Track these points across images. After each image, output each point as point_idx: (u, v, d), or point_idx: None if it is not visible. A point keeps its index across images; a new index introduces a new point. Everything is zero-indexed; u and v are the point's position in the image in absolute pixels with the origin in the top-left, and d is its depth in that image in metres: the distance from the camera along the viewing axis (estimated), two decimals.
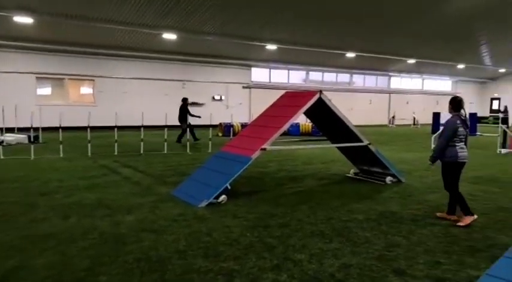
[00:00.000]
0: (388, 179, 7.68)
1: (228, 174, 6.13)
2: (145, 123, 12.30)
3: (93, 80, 21.06)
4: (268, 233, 4.71)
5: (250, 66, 25.22)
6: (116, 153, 11.20)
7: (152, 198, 6.29)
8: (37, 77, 19.69)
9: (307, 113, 7.70)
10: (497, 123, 16.25)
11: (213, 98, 24.12)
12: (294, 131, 18.59)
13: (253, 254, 4.06)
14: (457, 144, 5.16)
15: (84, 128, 12.20)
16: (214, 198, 5.91)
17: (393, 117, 30.99)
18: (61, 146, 10.86)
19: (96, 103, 20.93)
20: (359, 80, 30.42)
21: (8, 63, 18.83)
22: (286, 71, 26.96)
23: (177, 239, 4.46)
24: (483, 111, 33.66)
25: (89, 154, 10.91)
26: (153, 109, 19.43)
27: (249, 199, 6.36)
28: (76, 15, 14.98)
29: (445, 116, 16.89)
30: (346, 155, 8.75)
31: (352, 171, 8.60)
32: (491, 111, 34.89)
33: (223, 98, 24.49)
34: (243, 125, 17.65)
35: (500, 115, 17.66)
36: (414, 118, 29.80)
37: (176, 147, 12.98)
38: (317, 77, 28.43)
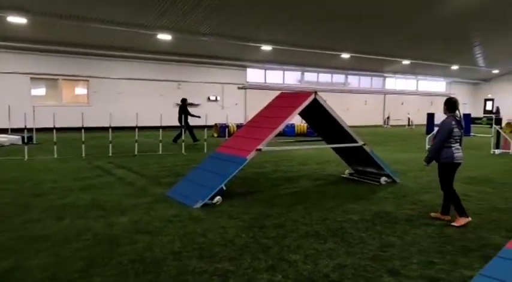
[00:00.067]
0: (383, 179, 7.71)
1: (223, 175, 6.13)
2: (140, 124, 12.26)
3: (88, 81, 20.95)
4: (263, 234, 4.71)
5: (245, 66, 25.22)
6: (110, 154, 11.15)
7: (147, 199, 6.27)
8: (31, 78, 19.55)
9: (302, 114, 7.72)
10: (491, 124, 16.39)
11: (209, 98, 24.09)
12: (289, 131, 18.61)
13: (248, 255, 4.06)
14: (452, 145, 5.19)
15: (78, 129, 12.13)
16: (210, 199, 5.90)
17: (388, 117, 31.12)
18: (55, 147, 10.80)
19: (90, 104, 20.83)
20: (354, 80, 30.52)
21: (1, 64, 18.68)
22: (282, 72, 26.98)
23: (171, 240, 4.45)
24: (477, 112, 33.89)
25: (83, 155, 10.85)
26: (148, 110, 19.37)
27: (244, 200, 6.36)
28: (70, 15, 14.91)
29: (439, 117, 17.00)
30: (341, 156, 8.78)
31: (347, 171, 8.62)
32: (485, 112, 35.13)
33: (218, 98, 24.47)
34: (239, 126, 17.64)
35: (493, 116, 17.80)
36: (409, 119, 29.94)
37: (171, 148, 12.95)
38: (312, 78, 28.48)
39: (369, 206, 6.05)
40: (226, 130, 16.12)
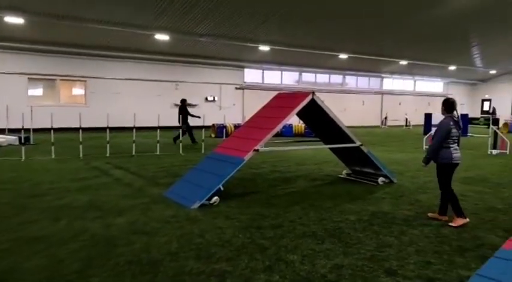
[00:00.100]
0: (380, 179, 7.73)
1: (220, 176, 6.13)
2: (137, 125, 12.24)
3: (85, 81, 20.91)
4: (260, 234, 4.71)
5: (243, 67, 25.22)
6: (107, 154, 11.13)
7: (144, 200, 6.26)
8: (28, 78, 19.50)
9: (300, 114, 7.72)
10: (488, 125, 16.41)
11: (206, 99, 24.08)
12: (287, 132, 18.62)
13: (246, 255, 4.06)
14: (450, 145, 5.20)
15: (76, 129, 12.10)
16: (207, 200, 5.89)
17: (385, 118, 31.17)
18: (52, 148, 10.77)
19: (88, 104, 20.79)
20: (352, 81, 30.55)
21: None
22: (279, 72, 27.00)
23: (169, 241, 4.45)
24: (474, 113, 33.98)
25: (81, 155, 10.83)
26: (145, 110, 19.36)
27: (242, 200, 6.35)
28: (68, 15, 14.88)
29: (437, 117, 17.03)
30: (338, 156, 8.79)
31: (344, 172, 8.63)
32: (482, 112, 35.25)
33: (216, 99, 24.45)
34: (236, 126, 17.64)
35: (490, 116, 17.86)
36: (406, 119, 30.00)
37: (169, 148, 12.93)
38: (310, 78, 28.51)
39: (366, 206, 6.06)
40: (224, 130, 16.12)
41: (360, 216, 5.54)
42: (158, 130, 12.17)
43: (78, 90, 21.43)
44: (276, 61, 24.70)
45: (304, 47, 21.11)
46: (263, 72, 26.42)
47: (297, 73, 27.79)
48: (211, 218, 5.32)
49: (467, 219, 5.17)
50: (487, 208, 6.06)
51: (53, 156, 10.58)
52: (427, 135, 15.28)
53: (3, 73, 18.74)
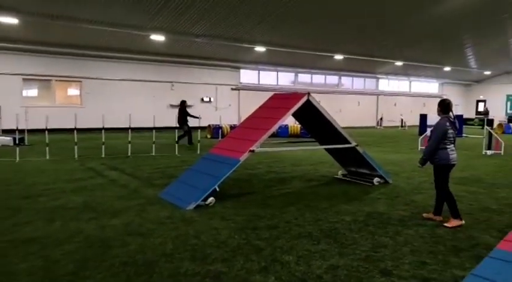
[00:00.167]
0: (376, 180, 7.74)
1: (216, 177, 6.11)
2: (133, 125, 12.20)
3: (80, 82, 20.82)
4: (256, 235, 4.70)
5: (239, 68, 25.20)
6: (103, 155, 11.08)
7: (139, 201, 6.23)
8: (23, 79, 19.38)
9: (295, 115, 7.73)
10: (483, 125, 16.51)
11: (202, 99, 24.04)
12: (283, 132, 18.63)
13: (241, 256, 4.05)
14: (447, 146, 5.22)
15: (71, 130, 12.04)
16: (203, 201, 5.88)
17: (381, 119, 31.27)
18: (47, 148, 10.71)
19: (83, 105, 20.70)
20: (347, 82, 30.63)
21: None
22: (275, 73, 27.01)
23: (164, 242, 4.43)
24: (469, 113, 34.17)
25: (76, 156, 10.77)
26: (141, 111, 19.31)
27: (237, 201, 6.34)
28: (63, 15, 14.80)
29: (432, 118, 17.10)
30: (334, 157, 8.80)
31: (340, 172, 8.65)
32: (477, 113, 35.45)
33: (212, 99, 24.42)
34: (232, 127, 17.62)
35: (484, 117, 17.98)
36: (402, 120, 30.11)
37: (165, 149, 12.88)
38: (306, 79, 28.54)
39: (362, 207, 6.07)
40: (220, 131, 16.11)
41: (356, 216, 5.55)
42: (154, 131, 12.14)
43: (73, 91, 21.33)
44: (271, 62, 24.71)
45: (300, 48, 21.13)
46: (259, 73, 26.43)
47: (293, 74, 27.81)
48: (207, 219, 5.30)
49: (463, 222, 5.18)
50: (481, 208, 6.09)
51: (48, 157, 10.51)
52: (423, 135, 15.34)
53: None
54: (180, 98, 15.83)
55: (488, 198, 6.75)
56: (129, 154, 11.31)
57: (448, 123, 5.23)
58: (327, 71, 28.30)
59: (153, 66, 22.35)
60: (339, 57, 23.62)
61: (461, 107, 34.08)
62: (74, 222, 5.11)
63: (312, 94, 7.02)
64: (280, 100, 7.60)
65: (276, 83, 27.02)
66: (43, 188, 7.03)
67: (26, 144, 13.51)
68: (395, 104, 32.56)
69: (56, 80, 20.37)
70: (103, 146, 11.32)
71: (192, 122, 14.65)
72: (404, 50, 23.44)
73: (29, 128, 13.61)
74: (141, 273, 3.64)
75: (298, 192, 7.18)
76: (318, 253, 4.17)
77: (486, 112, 30.85)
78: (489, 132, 13.68)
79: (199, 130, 13.06)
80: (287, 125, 19.00)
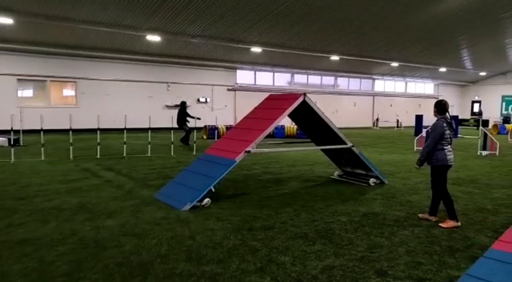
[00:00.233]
0: (372, 180, 7.76)
1: (212, 177, 6.10)
2: (128, 126, 12.15)
3: (76, 82, 20.73)
4: (252, 236, 4.69)
5: (235, 68, 25.20)
6: (98, 156, 11.03)
7: (134, 202, 6.21)
8: (18, 79, 19.28)
9: (291, 116, 7.73)
10: (478, 126, 16.58)
11: (198, 100, 24.00)
12: (279, 133, 18.63)
13: (237, 257, 4.04)
14: (445, 147, 5.24)
15: (66, 131, 11.98)
16: (198, 201, 5.86)
17: (377, 119, 31.36)
18: (42, 149, 10.65)
19: (78, 105, 20.61)
20: (343, 82, 30.69)
21: None
22: (271, 74, 27.02)
23: (159, 243, 4.41)
24: (464, 114, 34.33)
25: (71, 157, 10.72)
26: (136, 111, 19.24)
27: (233, 202, 6.33)
28: (58, 16, 14.73)
29: (428, 118, 17.15)
30: (330, 157, 8.81)
31: (336, 173, 8.66)
32: (472, 114, 35.62)
33: (208, 100, 24.39)
34: (228, 128, 17.61)
35: (477, 117, 18.08)
36: (397, 120, 30.20)
37: (160, 149, 12.85)
38: (302, 80, 28.58)
39: (358, 207, 6.07)
40: (216, 132, 16.09)
41: (351, 217, 5.55)
42: (149, 131, 12.11)
43: (68, 91, 21.24)
44: (268, 62, 24.72)
45: (296, 49, 21.16)
46: (255, 74, 26.43)
47: (289, 74, 27.84)
48: (203, 220, 5.29)
49: (459, 223, 5.17)
50: (476, 209, 6.11)
51: (43, 158, 10.46)
52: (418, 136, 15.39)
53: None
54: (176, 99, 15.85)
55: (484, 199, 6.78)
56: (125, 155, 11.27)
57: (445, 124, 5.25)
58: (323, 72, 28.35)
59: (148, 66, 22.30)
60: (335, 58, 23.66)
61: (457, 108, 34.24)
62: (68, 223, 5.08)
63: (308, 95, 7.02)
64: (276, 101, 7.60)
65: (272, 84, 27.04)
66: (38, 189, 6.99)
67: (21, 144, 13.44)
68: (391, 105, 32.67)
69: (51, 81, 20.27)
70: (98, 147, 11.27)
71: (190, 123, 14.64)
72: (400, 51, 23.52)
73: (24, 128, 13.53)
74: (136, 274, 3.62)
75: (294, 192, 7.18)
76: (314, 254, 4.17)
77: (479, 113, 31.03)
78: (484, 132, 13.74)
79: (195, 131, 13.03)
80: (283, 125, 19.00)
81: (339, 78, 30.22)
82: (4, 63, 18.73)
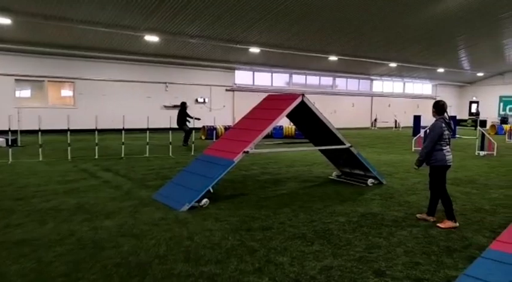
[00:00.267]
0: (370, 181, 7.76)
1: (210, 178, 6.10)
2: (127, 126, 12.13)
3: (73, 82, 20.69)
4: (250, 236, 4.69)
5: (233, 68, 25.18)
6: (96, 156, 11.01)
7: (133, 203, 6.20)
8: (16, 79, 19.23)
9: (290, 116, 7.73)
10: (475, 126, 16.62)
11: (196, 100, 23.98)
12: (278, 133, 18.64)
13: (235, 258, 4.04)
14: (443, 147, 5.26)
15: (64, 131, 11.96)
16: (196, 202, 5.86)
17: (375, 120, 31.39)
18: (40, 150, 10.63)
19: (76, 106, 20.57)
20: (342, 83, 30.71)
21: None
22: (270, 74, 27.03)
23: (157, 244, 4.41)
24: (462, 114, 34.39)
25: (69, 158, 10.70)
26: (135, 112, 19.23)
27: (232, 202, 6.33)
28: (56, 16, 14.70)
29: (426, 119, 17.19)
30: (328, 158, 8.81)
31: (334, 173, 8.66)
32: (470, 114, 35.69)
33: (206, 100, 24.38)
34: (226, 128, 17.60)
35: (475, 117, 18.13)
36: (396, 121, 30.24)
37: (158, 150, 12.83)
38: (300, 80, 28.59)
39: (356, 208, 6.08)
40: (214, 132, 16.09)
41: (350, 217, 5.56)
42: (148, 132, 12.09)
43: (66, 92, 21.19)
44: (266, 63, 24.72)
45: (295, 49, 21.16)
46: (253, 74, 26.43)
47: (288, 75, 27.84)
48: (201, 220, 5.29)
49: (457, 224, 5.18)
50: (474, 209, 6.13)
51: (41, 159, 10.43)
52: (416, 136, 15.42)
53: None
54: (174, 99, 15.84)
55: (481, 199, 6.80)
56: (123, 155, 11.25)
57: (443, 125, 5.27)
58: (322, 72, 28.37)
59: (147, 67, 22.27)
60: (333, 58, 23.68)
61: (455, 108, 34.30)
62: (66, 223, 5.07)
63: (306, 95, 7.03)
64: (274, 101, 7.60)
65: (270, 84, 27.04)
66: (36, 190, 6.97)
67: (19, 145, 13.40)
68: (389, 105, 32.71)
69: (49, 81, 20.22)
70: (96, 147, 11.26)
71: (190, 123, 14.65)
72: (399, 52, 23.55)
73: (22, 129, 13.49)
74: (134, 275, 3.61)
75: (293, 193, 7.18)
76: (312, 254, 4.17)
77: (477, 113, 31.12)
78: (482, 133, 13.78)
79: (193, 131, 13.03)
80: (282, 126, 19.01)
81: (337, 79, 30.24)
82: (2, 64, 18.67)
